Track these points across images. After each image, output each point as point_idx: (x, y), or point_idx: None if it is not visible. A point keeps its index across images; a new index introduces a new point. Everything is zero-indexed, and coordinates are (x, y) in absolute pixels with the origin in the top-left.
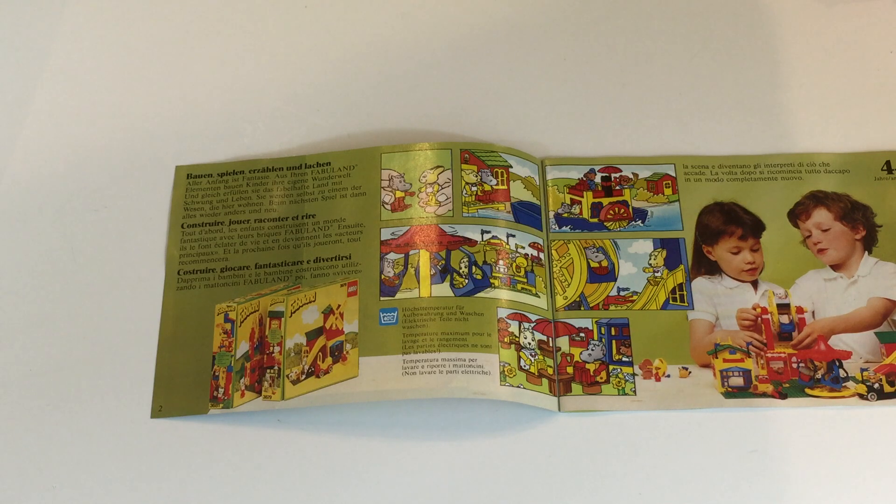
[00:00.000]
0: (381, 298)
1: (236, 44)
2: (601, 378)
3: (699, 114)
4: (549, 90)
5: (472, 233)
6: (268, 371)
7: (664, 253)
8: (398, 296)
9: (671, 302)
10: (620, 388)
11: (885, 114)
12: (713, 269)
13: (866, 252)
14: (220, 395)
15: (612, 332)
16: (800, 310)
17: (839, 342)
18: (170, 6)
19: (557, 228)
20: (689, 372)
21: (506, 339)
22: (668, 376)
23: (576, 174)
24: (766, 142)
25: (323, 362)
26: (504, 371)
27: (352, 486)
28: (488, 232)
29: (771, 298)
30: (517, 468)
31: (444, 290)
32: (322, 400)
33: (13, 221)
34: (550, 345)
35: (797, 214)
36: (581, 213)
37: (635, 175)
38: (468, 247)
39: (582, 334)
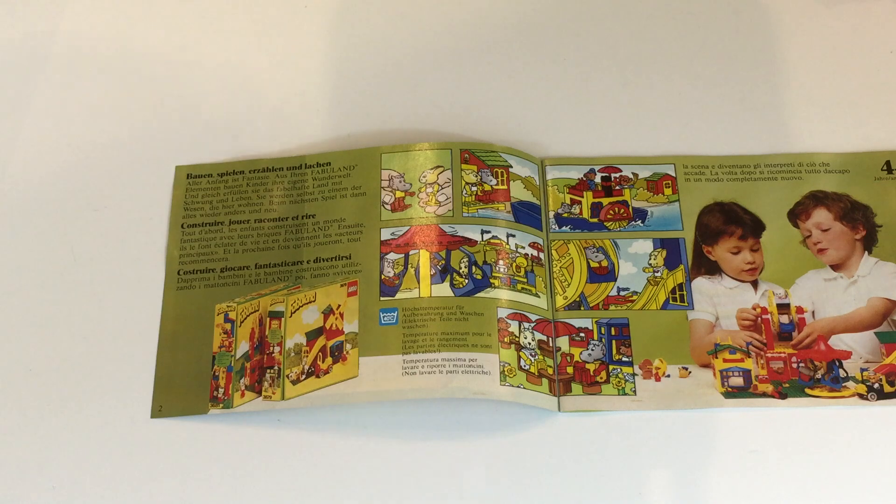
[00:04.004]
0: (381, 298)
1: (236, 44)
2: (601, 378)
3: (699, 114)
4: (549, 90)
5: (472, 233)
6: (268, 371)
7: (664, 253)
8: (398, 296)
9: (671, 302)
10: (620, 388)
11: (885, 114)
12: (713, 269)
13: (866, 252)
14: (220, 395)
15: (612, 332)
16: (800, 310)
17: (839, 342)
18: (170, 6)
19: (557, 228)
20: (689, 372)
21: (506, 339)
22: (668, 376)
23: (576, 174)
24: (766, 142)
25: (323, 362)
26: (504, 371)
27: (352, 486)
28: (488, 232)
29: (771, 298)
30: (517, 468)
31: (444, 290)
32: (322, 400)
33: (13, 221)
34: (550, 345)
35: (797, 214)
36: (581, 213)
37: (635, 175)
38: (468, 247)
39: (582, 334)
